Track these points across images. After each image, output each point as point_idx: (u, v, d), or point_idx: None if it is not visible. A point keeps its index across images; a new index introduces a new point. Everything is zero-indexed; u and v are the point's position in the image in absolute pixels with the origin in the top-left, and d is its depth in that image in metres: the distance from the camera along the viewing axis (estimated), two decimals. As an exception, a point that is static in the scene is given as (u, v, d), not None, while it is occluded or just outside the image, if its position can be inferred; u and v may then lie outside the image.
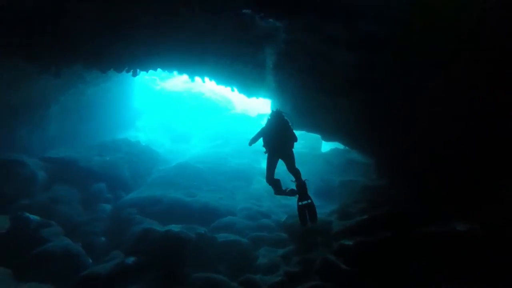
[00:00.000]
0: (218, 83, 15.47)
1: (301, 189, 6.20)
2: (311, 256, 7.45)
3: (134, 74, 9.82)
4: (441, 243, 5.83)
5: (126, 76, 18.78)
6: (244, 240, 9.00)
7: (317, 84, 9.95)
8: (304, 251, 7.92)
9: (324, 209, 15.17)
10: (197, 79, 14.74)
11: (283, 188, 6.78)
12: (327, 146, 20.15)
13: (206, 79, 14.89)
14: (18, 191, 10.56)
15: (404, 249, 6.11)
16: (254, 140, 6.54)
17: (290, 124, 6.46)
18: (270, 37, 7.73)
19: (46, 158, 12.33)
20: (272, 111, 6.64)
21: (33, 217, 9.26)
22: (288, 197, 7.53)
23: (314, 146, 20.54)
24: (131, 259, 7.27)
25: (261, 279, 7.15)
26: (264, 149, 6.64)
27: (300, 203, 6.26)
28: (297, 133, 13.99)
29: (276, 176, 6.90)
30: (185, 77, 13.54)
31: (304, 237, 8.63)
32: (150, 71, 12.39)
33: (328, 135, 13.72)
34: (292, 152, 6.50)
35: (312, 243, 8.20)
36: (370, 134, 10.91)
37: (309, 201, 6.28)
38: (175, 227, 8.11)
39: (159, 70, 14.67)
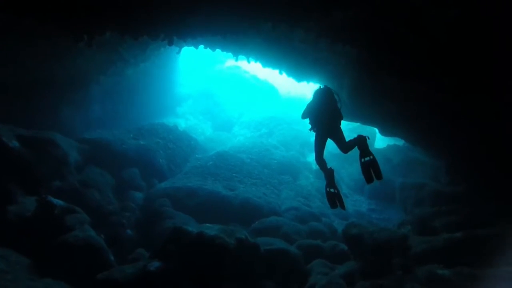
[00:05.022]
0: (264, 65, 13.87)
1: (362, 146, 5.68)
2: (386, 284, 5.57)
3: (170, 43, 8.44)
4: None
5: (168, 59, 17.94)
6: (293, 249, 7.34)
7: (387, 62, 8.18)
8: (373, 273, 6.06)
9: (383, 215, 13.10)
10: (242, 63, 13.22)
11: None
12: (381, 143, 18.06)
13: (252, 61, 13.37)
14: (50, 171, 9.84)
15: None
16: (305, 115, 6.26)
17: (338, 103, 6.14)
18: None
19: (80, 139, 11.57)
20: (320, 87, 6.28)
21: (58, 202, 8.39)
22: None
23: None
24: (155, 265, 5.93)
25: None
26: (309, 126, 6.28)
27: (363, 160, 5.74)
28: (350, 125, 12.33)
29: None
30: (229, 62, 12.06)
31: (371, 252, 6.75)
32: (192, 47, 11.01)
33: (388, 129, 11.79)
34: (340, 128, 6.17)
35: (384, 263, 6.31)
36: (445, 129, 8.99)
37: (371, 157, 5.69)
38: (209, 228, 6.61)
39: (201, 47, 13.35)
